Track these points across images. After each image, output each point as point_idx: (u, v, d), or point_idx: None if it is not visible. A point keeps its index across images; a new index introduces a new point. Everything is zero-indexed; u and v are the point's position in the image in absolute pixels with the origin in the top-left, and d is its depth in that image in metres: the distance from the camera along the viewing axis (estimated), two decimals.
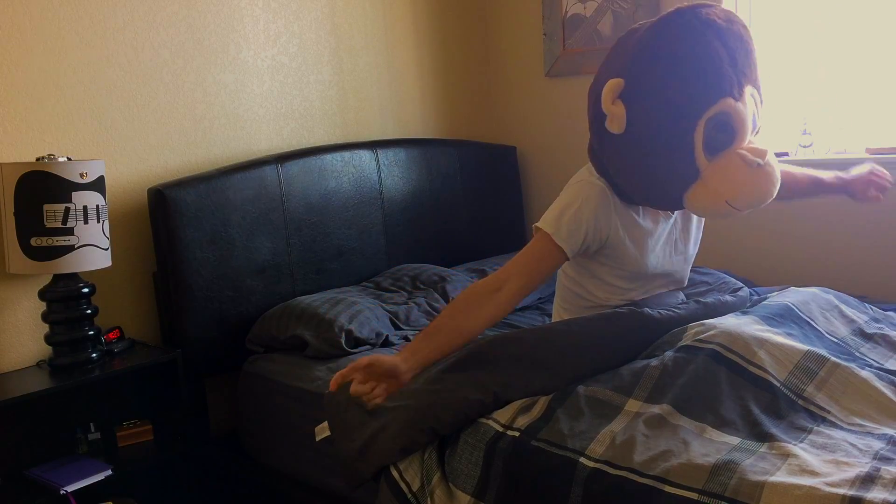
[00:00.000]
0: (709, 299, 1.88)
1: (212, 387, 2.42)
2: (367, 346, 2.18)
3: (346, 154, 2.63)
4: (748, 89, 1.60)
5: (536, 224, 1.71)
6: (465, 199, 3.01)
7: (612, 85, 1.57)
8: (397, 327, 2.28)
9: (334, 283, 2.55)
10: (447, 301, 2.41)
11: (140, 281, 2.30)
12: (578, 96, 3.11)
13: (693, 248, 1.91)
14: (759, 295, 2.00)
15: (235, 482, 2.30)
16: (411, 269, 2.60)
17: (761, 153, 1.58)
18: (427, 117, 3.10)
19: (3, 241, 1.98)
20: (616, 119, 1.59)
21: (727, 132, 1.58)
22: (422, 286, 2.50)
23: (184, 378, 2.13)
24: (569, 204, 1.69)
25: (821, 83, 2.58)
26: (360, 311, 2.23)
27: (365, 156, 2.68)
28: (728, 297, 1.88)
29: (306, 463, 2.06)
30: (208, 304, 2.26)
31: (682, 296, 1.96)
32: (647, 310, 1.76)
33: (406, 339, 2.25)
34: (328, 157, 2.58)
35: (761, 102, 1.66)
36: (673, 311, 1.77)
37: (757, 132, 1.67)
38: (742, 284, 2.18)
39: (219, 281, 2.28)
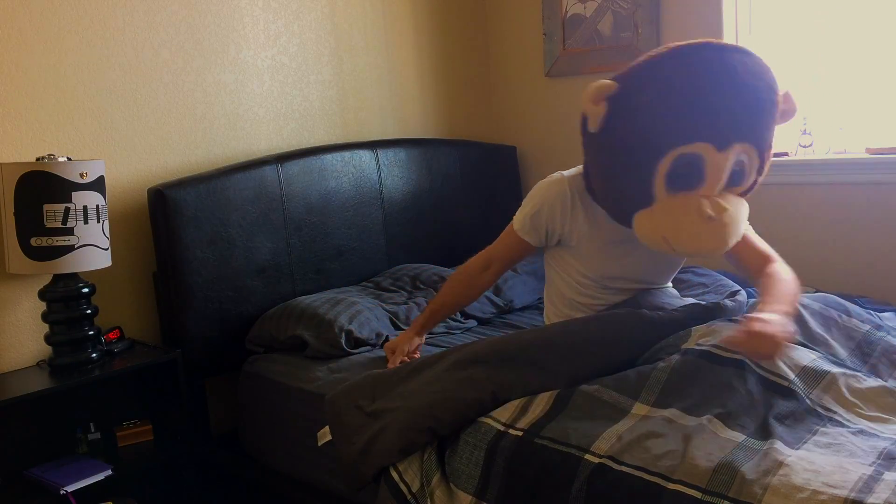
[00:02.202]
0: (707, 302, 1.88)
1: (212, 387, 2.42)
2: (367, 347, 2.18)
3: (346, 154, 2.63)
4: (741, 146, 1.58)
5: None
6: (465, 199, 3.01)
7: (601, 86, 1.61)
8: (397, 327, 2.28)
9: (334, 284, 2.55)
10: None
11: (140, 281, 2.30)
12: (578, 96, 3.11)
13: (666, 265, 1.93)
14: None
15: (235, 482, 2.30)
16: (411, 269, 2.60)
17: (720, 209, 1.57)
18: (427, 117, 3.10)
19: (3, 241, 1.98)
20: (592, 118, 1.65)
21: (693, 175, 1.58)
22: (422, 286, 2.50)
23: (184, 378, 2.13)
24: (532, 203, 1.87)
25: (821, 83, 2.58)
26: (359, 311, 2.23)
27: (365, 156, 2.68)
28: (728, 302, 1.88)
29: (306, 463, 2.06)
30: (208, 304, 2.26)
31: (678, 298, 1.96)
32: (644, 311, 1.76)
33: None
34: (328, 157, 2.58)
35: (760, 166, 1.65)
36: (671, 313, 1.77)
37: (750, 190, 1.68)
38: (739, 287, 2.18)
39: (219, 281, 2.28)
